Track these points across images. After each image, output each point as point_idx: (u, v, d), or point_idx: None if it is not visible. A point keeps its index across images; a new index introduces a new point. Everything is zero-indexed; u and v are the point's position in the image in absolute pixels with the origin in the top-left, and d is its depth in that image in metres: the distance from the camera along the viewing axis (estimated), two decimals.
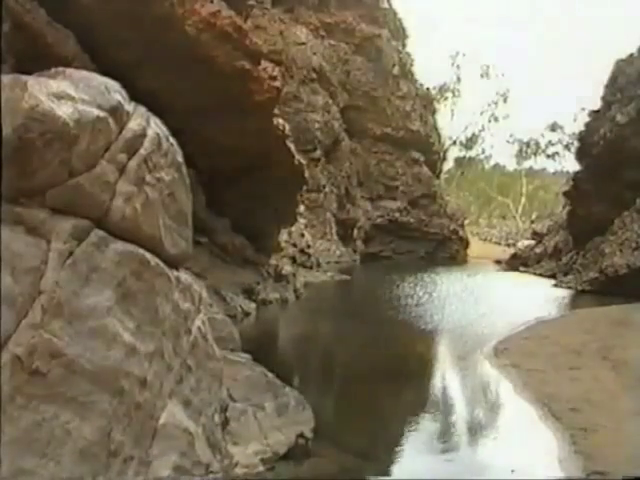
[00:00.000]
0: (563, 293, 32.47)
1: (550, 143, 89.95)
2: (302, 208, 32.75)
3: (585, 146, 39.82)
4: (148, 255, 5.46)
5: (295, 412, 9.40)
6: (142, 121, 5.63)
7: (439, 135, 66.40)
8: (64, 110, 4.79)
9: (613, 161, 33.90)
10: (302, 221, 33.49)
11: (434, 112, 66.07)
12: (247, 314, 19.35)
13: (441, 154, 67.14)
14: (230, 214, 21.70)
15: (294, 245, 31.76)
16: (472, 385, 14.59)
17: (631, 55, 37.89)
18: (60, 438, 4.48)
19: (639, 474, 8.26)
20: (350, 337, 18.56)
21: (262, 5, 37.11)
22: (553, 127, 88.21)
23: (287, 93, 33.23)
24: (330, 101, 44.47)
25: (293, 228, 30.65)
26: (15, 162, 4.51)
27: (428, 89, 66.13)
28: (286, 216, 25.42)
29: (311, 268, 33.12)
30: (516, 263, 49.45)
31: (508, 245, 69.37)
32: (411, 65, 59.46)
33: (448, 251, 55.24)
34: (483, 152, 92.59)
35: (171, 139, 6.07)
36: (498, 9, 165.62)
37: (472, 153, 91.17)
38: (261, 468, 7.81)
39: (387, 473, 9.01)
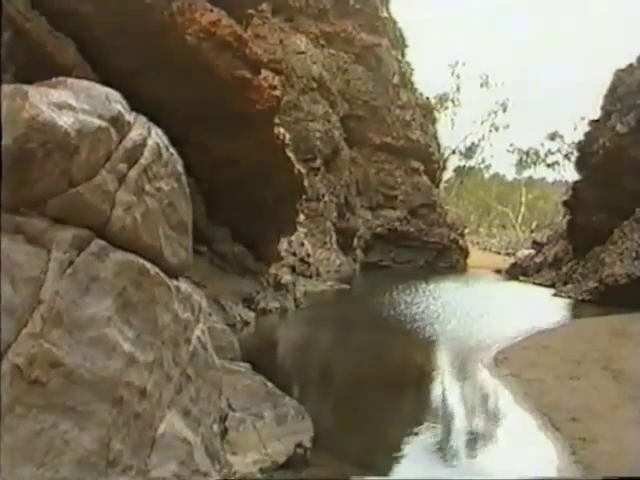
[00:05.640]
0: (563, 302, 32.45)
1: (550, 152, 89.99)
2: (302, 217, 32.76)
3: (585, 155, 39.85)
4: (148, 265, 5.46)
5: (294, 422, 9.39)
6: (143, 131, 5.64)
7: (439, 144, 66.49)
8: (65, 120, 4.80)
9: (613, 170, 33.92)
10: (302, 230, 33.50)
11: (434, 121, 66.17)
12: (247, 323, 19.35)
13: (441, 163, 67.21)
14: (230, 223, 21.73)
15: (294, 254, 31.76)
16: (472, 395, 14.58)
17: (631, 65, 37.94)
18: (59, 447, 4.47)
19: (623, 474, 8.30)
20: (350, 346, 18.55)
21: (262, 14, 37.17)
22: (553, 136, 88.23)
23: (287, 102, 33.29)
24: (330, 110, 44.52)
25: (293, 237, 30.67)
26: (15, 172, 4.52)
27: (428, 98, 66.26)
28: (286, 225, 25.45)
29: (311, 277, 33.11)
30: (516, 272, 49.43)
31: (508, 254, 69.32)
32: (411, 74, 59.61)
33: (448, 260, 55.21)
34: (483, 161, 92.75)
35: (171, 149, 6.08)
36: (498, 14, 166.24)
37: (472, 162, 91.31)
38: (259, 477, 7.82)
39: None
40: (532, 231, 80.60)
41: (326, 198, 41.38)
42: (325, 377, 15.86)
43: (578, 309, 29.70)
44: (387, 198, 52.07)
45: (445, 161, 75.70)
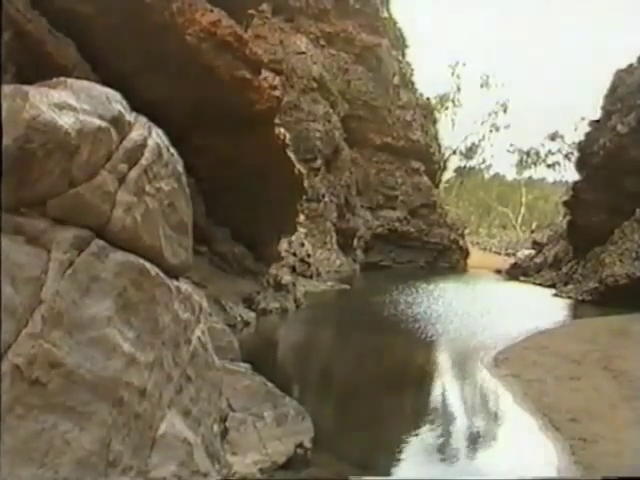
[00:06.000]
0: (563, 303, 32.45)
1: (550, 152, 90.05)
2: (302, 217, 32.76)
3: (585, 156, 39.89)
4: (148, 265, 5.46)
5: (294, 422, 9.39)
6: (143, 131, 5.63)
7: (439, 145, 66.48)
8: (65, 120, 4.79)
9: (613, 171, 33.94)
10: (302, 230, 33.50)
11: (434, 122, 66.16)
12: (247, 323, 19.34)
13: (441, 164, 67.25)
14: (230, 223, 21.73)
15: (294, 254, 31.77)
16: (472, 395, 14.58)
17: (631, 65, 38.00)
18: (59, 448, 4.47)
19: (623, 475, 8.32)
20: (350, 347, 18.55)
21: (262, 14, 37.19)
22: (553, 136, 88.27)
23: (287, 102, 33.26)
24: (330, 110, 44.50)
25: (293, 237, 30.67)
26: (16, 172, 4.52)
27: (428, 99, 66.27)
28: (286, 225, 25.45)
29: (311, 277, 33.12)
30: (516, 273, 49.43)
31: (508, 255, 69.36)
32: (411, 75, 59.60)
33: (448, 261, 55.21)
34: (483, 162, 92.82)
35: (171, 149, 6.08)
36: (498, 15, 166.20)
37: (472, 163, 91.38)
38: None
39: None
40: (532, 231, 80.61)
41: (326, 198, 41.37)
42: (326, 377, 15.86)
43: (578, 309, 29.71)
44: (387, 198, 52.05)
45: (445, 161, 75.83)
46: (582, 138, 42.78)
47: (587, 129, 41.69)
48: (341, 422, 11.76)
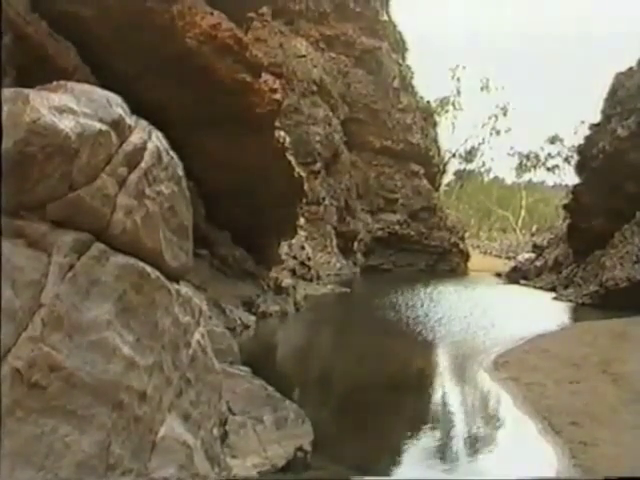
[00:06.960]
0: (563, 306, 32.41)
1: (550, 156, 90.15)
2: (302, 221, 32.76)
3: (585, 159, 39.86)
4: (148, 268, 5.46)
5: (294, 425, 9.39)
6: (143, 134, 5.63)
7: (439, 148, 66.50)
8: (66, 124, 4.80)
9: (613, 174, 33.91)
10: (302, 234, 33.49)
11: (434, 125, 66.20)
12: (247, 327, 19.32)
13: (441, 167, 67.27)
14: (230, 226, 21.73)
15: (294, 257, 31.77)
16: (472, 399, 14.56)
17: (631, 68, 37.97)
18: (59, 451, 4.46)
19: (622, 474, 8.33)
20: (350, 350, 18.53)
21: (262, 17, 37.21)
22: (553, 140, 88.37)
23: (287, 105, 33.28)
24: (330, 114, 44.56)
25: (293, 240, 30.66)
26: (16, 175, 4.52)
27: (429, 102, 66.32)
28: (286, 228, 25.45)
29: (311, 280, 33.10)
30: (516, 276, 49.36)
31: (508, 258, 69.29)
32: (411, 78, 59.64)
33: (448, 264, 55.20)
34: (483, 165, 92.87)
35: (171, 152, 6.08)
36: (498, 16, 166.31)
37: (472, 166, 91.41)
38: None
39: None
40: (532, 234, 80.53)
41: (326, 202, 41.39)
42: (325, 381, 15.84)
43: (578, 313, 29.65)
44: (387, 202, 52.08)
45: (445, 165, 75.80)
46: (582, 141, 42.75)
47: (587, 132, 41.69)
48: (340, 425, 11.75)
